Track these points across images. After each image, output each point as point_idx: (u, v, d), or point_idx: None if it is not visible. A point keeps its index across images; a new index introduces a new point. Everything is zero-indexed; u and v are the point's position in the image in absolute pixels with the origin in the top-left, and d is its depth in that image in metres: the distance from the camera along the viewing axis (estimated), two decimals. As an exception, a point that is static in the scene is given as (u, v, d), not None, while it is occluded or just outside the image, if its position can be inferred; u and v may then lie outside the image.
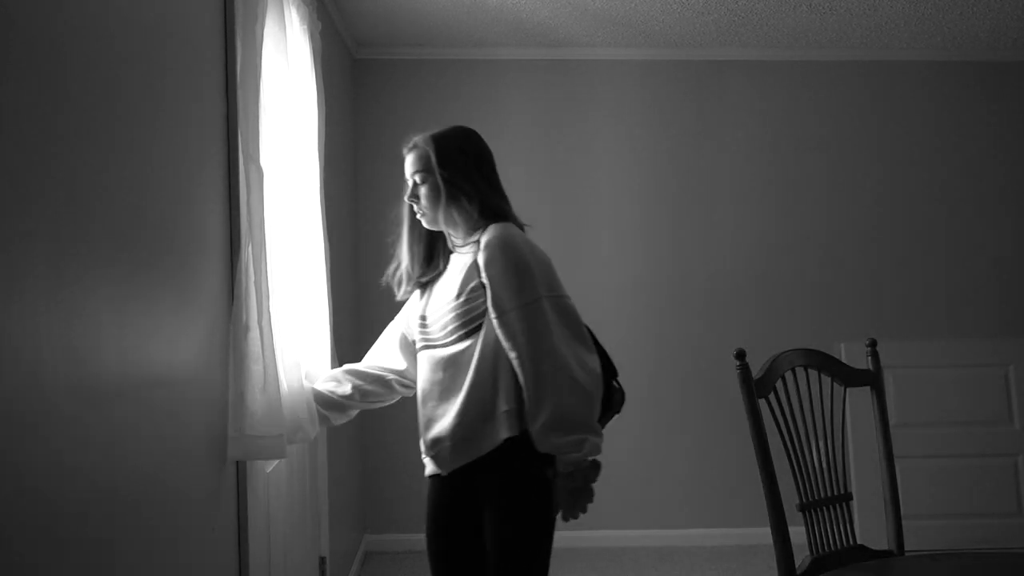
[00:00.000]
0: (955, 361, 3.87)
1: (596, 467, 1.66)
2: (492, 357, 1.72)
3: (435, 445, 1.78)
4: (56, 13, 1.13)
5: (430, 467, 1.83)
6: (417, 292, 1.92)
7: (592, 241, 4.00)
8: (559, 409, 1.62)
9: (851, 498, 2.03)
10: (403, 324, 1.99)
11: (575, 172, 4.01)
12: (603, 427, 1.73)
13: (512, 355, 1.67)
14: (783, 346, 2.22)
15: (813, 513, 1.96)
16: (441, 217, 1.82)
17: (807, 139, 4.06)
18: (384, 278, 1.95)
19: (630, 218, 4.01)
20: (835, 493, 2.01)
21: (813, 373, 2.51)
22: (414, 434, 1.96)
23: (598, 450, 1.65)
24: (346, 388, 1.97)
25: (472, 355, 1.73)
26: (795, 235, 4.03)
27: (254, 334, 1.74)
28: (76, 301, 1.15)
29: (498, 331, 1.69)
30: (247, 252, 1.75)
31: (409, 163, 1.85)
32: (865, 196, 4.06)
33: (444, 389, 1.77)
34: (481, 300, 1.72)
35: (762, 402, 1.95)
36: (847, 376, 2.10)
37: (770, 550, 2.63)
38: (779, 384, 2.27)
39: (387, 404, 2.05)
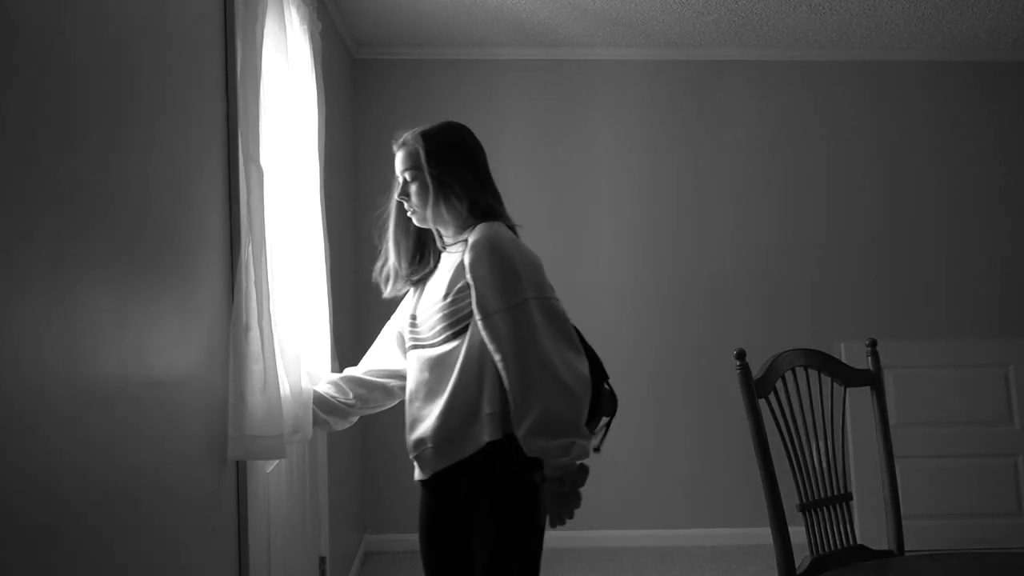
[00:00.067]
0: (955, 361, 3.87)
1: (584, 471, 1.61)
2: (478, 359, 1.68)
3: (418, 446, 1.76)
4: (56, 13, 1.13)
5: (416, 471, 1.80)
6: (411, 290, 1.90)
7: (592, 241, 3.99)
8: (546, 412, 1.58)
9: (851, 498, 2.03)
10: (399, 322, 1.97)
11: (575, 172, 4.01)
12: (592, 431, 1.70)
13: (497, 357, 1.63)
14: (783, 346, 2.22)
15: (813, 513, 1.96)
16: (431, 215, 1.79)
17: (807, 139, 4.06)
18: (373, 275, 1.92)
19: (630, 218, 4.01)
20: (835, 493, 2.01)
21: (813, 373, 2.50)
22: (413, 434, 1.95)
23: (586, 454, 1.61)
24: (348, 395, 1.95)
25: (458, 356, 1.70)
26: (795, 235, 4.03)
27: (254, 334, 1.74)
28: (76, 301, 1.14)
29: (483, 333, 1.64)
30: (247, 252, 1.74)
31: (399, 160, 1.83)
32: (865, 196, 4.06)
33: (430, 390, 1.75)
34: (468, 301, 1.68)
35: (762, 402, 1.95)
36: (847, 376, 2.10)
37: (770, 550, 2.64)
38: (779, 384, 2.27)
39: (389, 407, 2.04)
